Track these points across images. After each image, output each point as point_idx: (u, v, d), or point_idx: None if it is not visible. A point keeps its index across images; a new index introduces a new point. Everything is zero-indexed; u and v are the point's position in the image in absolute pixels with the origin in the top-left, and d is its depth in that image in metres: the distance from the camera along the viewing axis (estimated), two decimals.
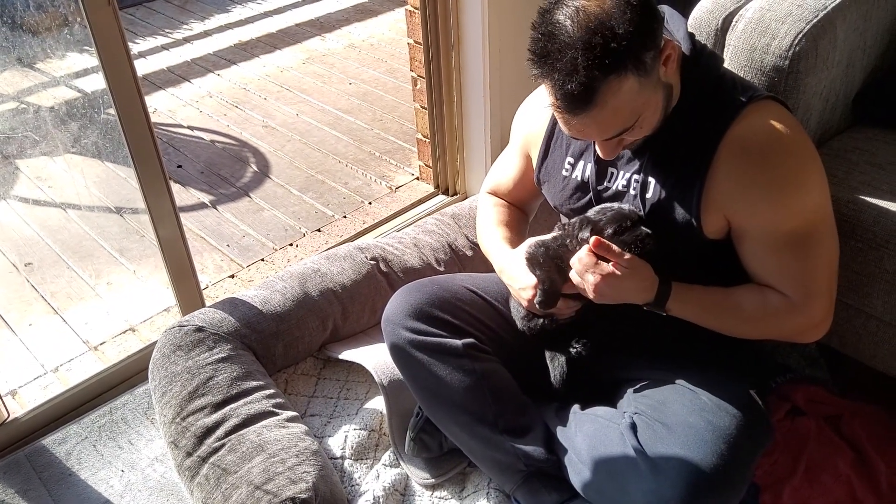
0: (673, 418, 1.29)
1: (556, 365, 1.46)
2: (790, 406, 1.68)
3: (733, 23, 1.50)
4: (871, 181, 1.50)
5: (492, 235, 1.56)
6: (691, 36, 1.28)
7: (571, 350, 1.42)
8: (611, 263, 1.26)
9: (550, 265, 1.35)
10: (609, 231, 1.27)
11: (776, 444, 1.59)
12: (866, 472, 1.54)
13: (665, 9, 1.31)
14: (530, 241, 1.41)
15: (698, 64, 1.26)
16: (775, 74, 1.45)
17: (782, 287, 1.27)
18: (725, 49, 1.51)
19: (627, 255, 1.25)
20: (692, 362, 1.39)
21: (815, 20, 1.43)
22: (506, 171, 1.61)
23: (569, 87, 1.11)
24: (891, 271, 1.44)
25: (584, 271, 1.28)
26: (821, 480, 1.53)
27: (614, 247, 1.25)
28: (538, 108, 1.47)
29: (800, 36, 1.42)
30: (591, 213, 1.33)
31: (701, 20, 1.55)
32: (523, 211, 1.64)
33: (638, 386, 1.41)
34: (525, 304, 1.40)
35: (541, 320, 1.43)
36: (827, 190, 1.27)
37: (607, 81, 1.10)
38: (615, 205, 1.31)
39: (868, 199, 1.47)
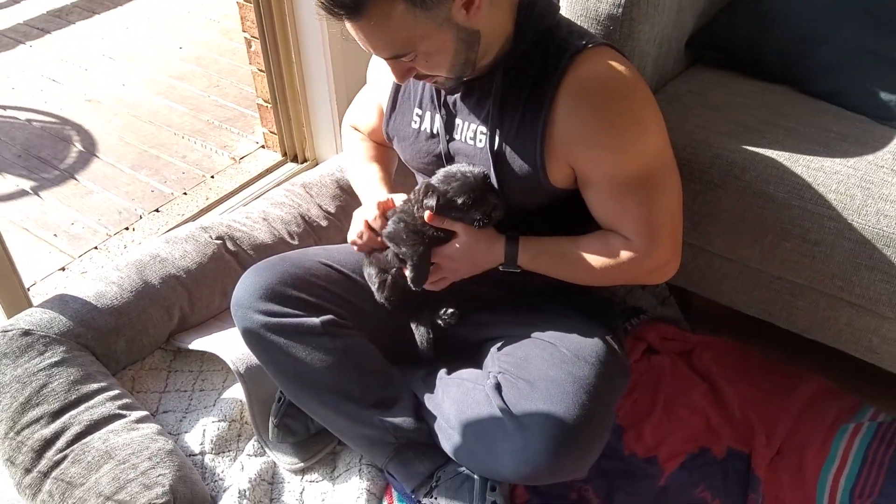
0: (535, 373, 1.30)
1: (420, 331, 1.43)
2: (646, 346, 1.74)
3: None
4: (705, 124, 1.55)
5: (365, 172, 1.52)
6: None
7: (440, 322, 1.40)
8: (447, 245, 1.32)
9: (414, 238, 1.32)
10: (458, 202, 1.26)
11: (635, 384, 1.65)
12: (719, 401, 1.62)
13: None
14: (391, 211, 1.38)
15: (532, 11, 1.25)
16: (610, 23, 1.45)
17: (627, 231, 1.29)
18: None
19: (461, 230, 1.31)
20: (550, 314, 1.42)
21: None
22: (364, 116, 1.56)
23: None
24: (728, 210, 1.50)
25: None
26: (678, 414, 1.60)
27: (455, 224, 1.31)
28: None
29: None
30: (436, 179, 1.30)
31: None
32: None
33: (500, 344, 1.41)
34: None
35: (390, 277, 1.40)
36: (666, 134, 1.29)
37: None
38: (459, 168, 1.29)
39: (704, 141, 1.52)
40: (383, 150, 1.58)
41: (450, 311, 1.39)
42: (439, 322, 1.40)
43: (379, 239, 1.39)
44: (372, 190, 1.49)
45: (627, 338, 1.74)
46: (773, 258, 1.50)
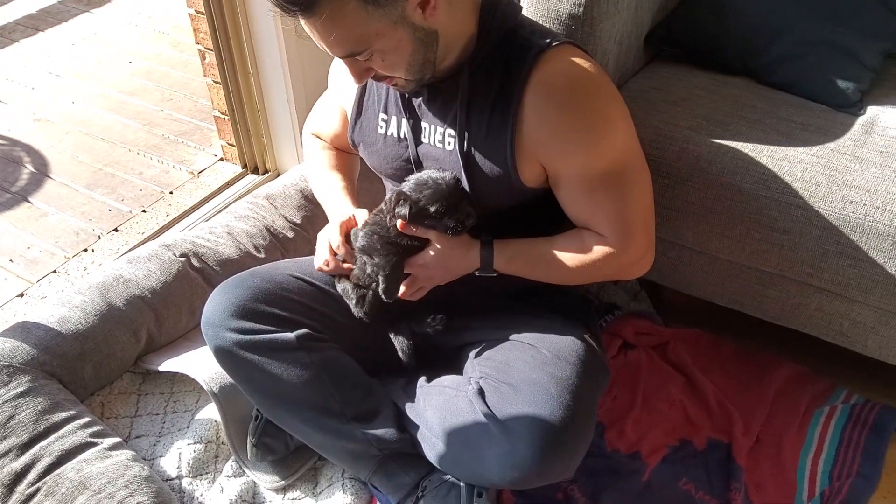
0: (517, 377, 1.29)
1: (399, 340, 1.41)
2: (621, 342, 1.75)
3: None
4: (670, 119, 1.56)
5: (327, 183, 1.50)
6: None
7: (428, 329, 1.38)
8: (421, 254, 1.31)
9: (388, 249, 1.30)
10: (431, 210, 1.24)
11: (613, 381, 1.65)
12: (696, 393, 1.64)
13: None
14: (355, 230, 1.36)
15: (495, 12, 1.24)
16: (572, 22, 1.45)
17: (601, 228, 1.29)
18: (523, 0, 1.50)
19: (434, 238, 1.29)
20: (527, 316, 1.41)
21: None
22: (327, 122, 1.54)
23: None
24: (696, 203, 1.52)
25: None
26: (658, 409, 1.61)
27: (428, 232, 1.30)
28: None
29: None
30: (407, 187, 1.28)
31: None
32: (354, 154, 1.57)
33: (479, 348, 1.40)
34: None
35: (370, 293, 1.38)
36: (633, 129, 1.30)
37: None
38: (431, 175, 1.27)
39: (670, 136, 1.53)
40: (345, 157, 1.56)
41: (438, 317, 1.37)
42: (427, 330, 1.38)
43: (345, 265, 1.38)
44: (335, 202, 1.47)
45: (603, 334, 1.75)
46: (742, 249, 1.52)
